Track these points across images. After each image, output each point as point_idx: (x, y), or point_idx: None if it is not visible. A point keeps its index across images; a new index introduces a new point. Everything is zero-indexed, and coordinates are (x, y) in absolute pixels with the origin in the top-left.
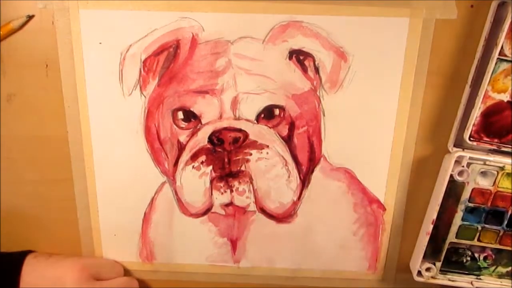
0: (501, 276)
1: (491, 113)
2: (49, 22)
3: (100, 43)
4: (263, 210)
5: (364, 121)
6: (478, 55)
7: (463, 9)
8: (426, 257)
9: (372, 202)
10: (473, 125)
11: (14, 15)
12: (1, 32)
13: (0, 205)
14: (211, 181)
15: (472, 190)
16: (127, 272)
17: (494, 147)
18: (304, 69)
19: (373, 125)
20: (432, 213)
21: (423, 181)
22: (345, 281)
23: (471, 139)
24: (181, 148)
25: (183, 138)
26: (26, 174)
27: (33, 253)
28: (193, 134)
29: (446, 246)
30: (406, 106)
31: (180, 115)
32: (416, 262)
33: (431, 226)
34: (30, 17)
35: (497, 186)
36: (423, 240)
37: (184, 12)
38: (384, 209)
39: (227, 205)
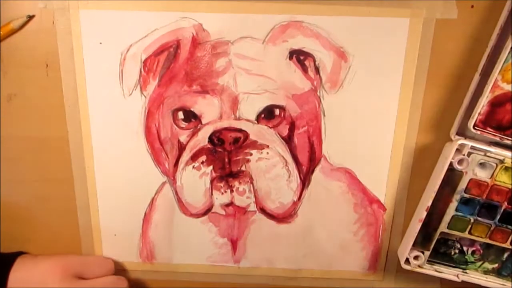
0: (486, 272)
1: (498, 104)
2: (50, 22)
3: (101, 43)
4: (263, 210)
5: (364, 121)
6: (491, 43)
7: (464, 9)
8: (415, 245)
9: (372, 202)
10: (479, 113)
11: (14, 15)
12: (1, 32)
13: (0, 205)
14: (212, 181)
15: (470, 181)
16: (126, 272)
17: (497, 139)
18: (305, 69)
19: (373, 125)
20: (427, 200)
21: (423, 181)
22: (345, 281)
23: (475, 128)
24: (181, 148)
25: (183, 138)
26: (26, 174)
27: (23, 254)
28: (193, 134)
29: (437, 236)
30: (407, 106)
31: (181, 115)
32: (405, 249)
33: (425, 213)
34: (31, 17)
35: (494, 179)
36: (415, 227)
37: (184, 12)
38: (384, 209)
39: (227, 205)
